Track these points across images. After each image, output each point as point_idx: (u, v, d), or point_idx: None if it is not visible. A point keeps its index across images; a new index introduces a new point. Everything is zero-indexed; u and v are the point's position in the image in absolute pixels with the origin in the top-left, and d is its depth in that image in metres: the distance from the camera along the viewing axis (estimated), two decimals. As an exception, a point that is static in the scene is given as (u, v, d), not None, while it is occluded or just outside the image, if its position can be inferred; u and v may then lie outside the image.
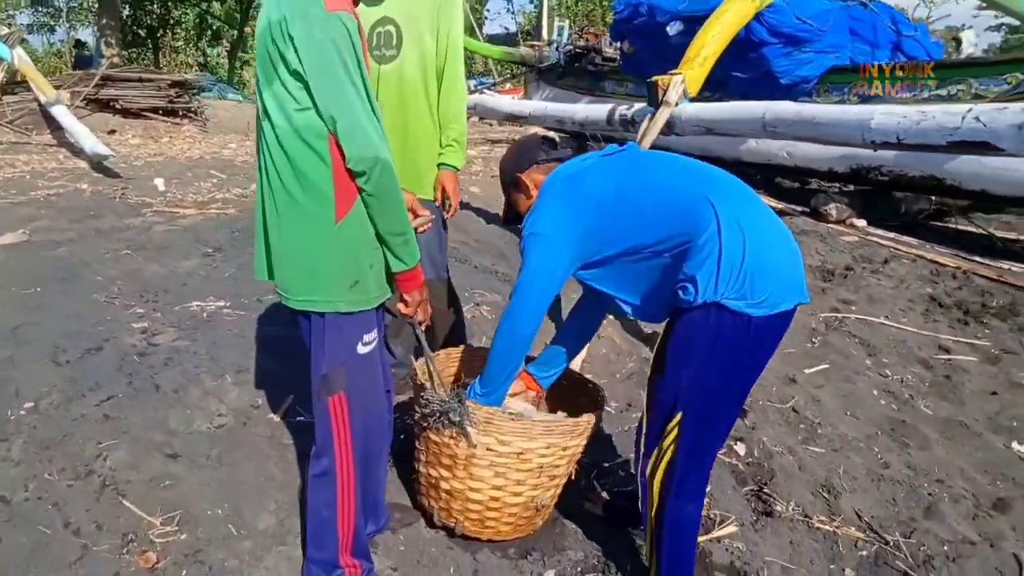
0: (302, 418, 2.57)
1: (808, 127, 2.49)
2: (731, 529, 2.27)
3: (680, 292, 1.72)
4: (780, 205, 6.33)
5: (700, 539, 2.20)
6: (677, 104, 3.27)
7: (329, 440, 1.73)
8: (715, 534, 2.25)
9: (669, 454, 1.79)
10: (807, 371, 3.42)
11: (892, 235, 5.63)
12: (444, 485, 2.09)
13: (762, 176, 7.15)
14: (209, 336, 3.09)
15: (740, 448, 2.72)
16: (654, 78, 3.34)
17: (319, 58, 1.46)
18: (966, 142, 1.90)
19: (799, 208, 6.23)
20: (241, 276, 3.84)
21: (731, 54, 6.36)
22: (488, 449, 1.99)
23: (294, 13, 1.45)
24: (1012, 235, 5.74)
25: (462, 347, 2.53)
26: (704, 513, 2.34)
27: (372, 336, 1.73)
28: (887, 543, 2.27)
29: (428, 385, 2.02)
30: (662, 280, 1.79)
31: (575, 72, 10.03)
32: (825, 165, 6.36)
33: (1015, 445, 2.87)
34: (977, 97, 5.24)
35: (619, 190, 1.83)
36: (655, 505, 1.84)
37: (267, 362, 2.88)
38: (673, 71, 3.40)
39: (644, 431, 1.87)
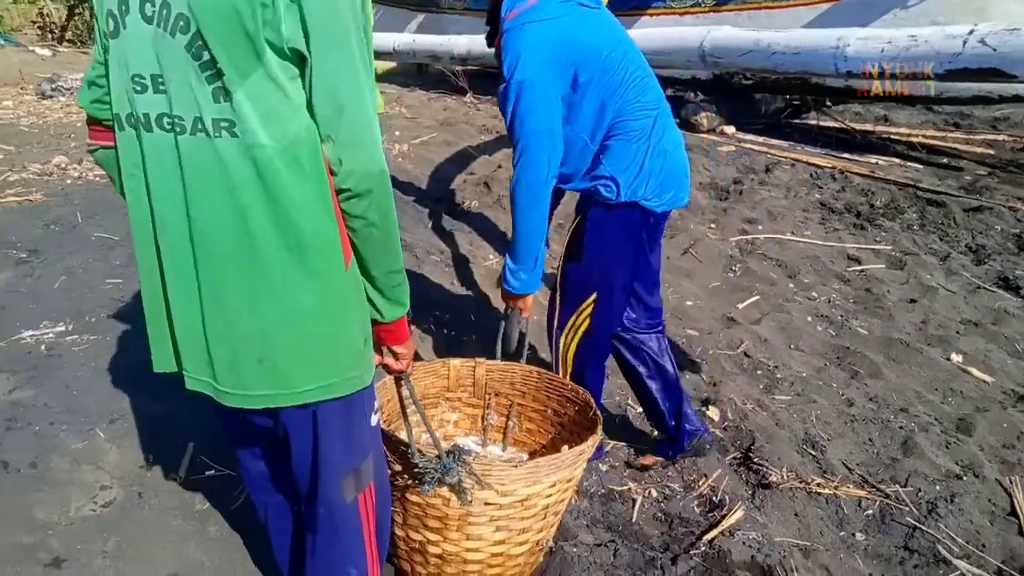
0: (212, 471, 2.05)
1: (762, 57, 2.17)
2: (739, 515, 2.08)
3: (602, 188, 1.89)
4: (650, 119, 6.17)
5: (712, 534, 2.01)
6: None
7: (361, 546, 1.31)
8: (725, 525, 2.04)
9: (583, 329, 2.05)
10: (740, 306, 3.29)
11: (762, 139, 5.65)
12: (434, 549, 1.70)
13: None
14: (58, 378, 2.38)
15: (713, 412, 2.53)
16: None
17: (331, 20, 0.95)
18: (970, 70, 1.67)
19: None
20: (74, 285, 3.05)
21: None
22: (487, 504, 1.61)
23: None
24: (868, 126, 5.96)
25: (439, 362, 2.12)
26: (703, 493, 2.15)
27: (378, 401, 1.32)
28: (888, 496, 2.18)
29: (417, 445, 1.58)
30: (580, 158, 1.90)
31: (404, -15, 9.20)
32: (687, 73, 6.24)
33: (953, 357, 2.90)
34: (834, -7, 5.23)
35: (607, 60, 1.82)
36: (570, 372, 2.12)
37: (145, 402, 2.27)
38: None
39: (559, 310, 2.08)
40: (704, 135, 5.81)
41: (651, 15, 6.40)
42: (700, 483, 2.22)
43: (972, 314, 3.24)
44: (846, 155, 5.30)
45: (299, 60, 0.97)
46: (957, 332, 3.10)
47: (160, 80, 0.99)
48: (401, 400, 1.58)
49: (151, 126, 1.03)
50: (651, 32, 2.71)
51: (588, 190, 1.94)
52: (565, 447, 1.69)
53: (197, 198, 1.02)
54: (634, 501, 2.14)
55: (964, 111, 6.07)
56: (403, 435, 1.58)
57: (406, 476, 1.61)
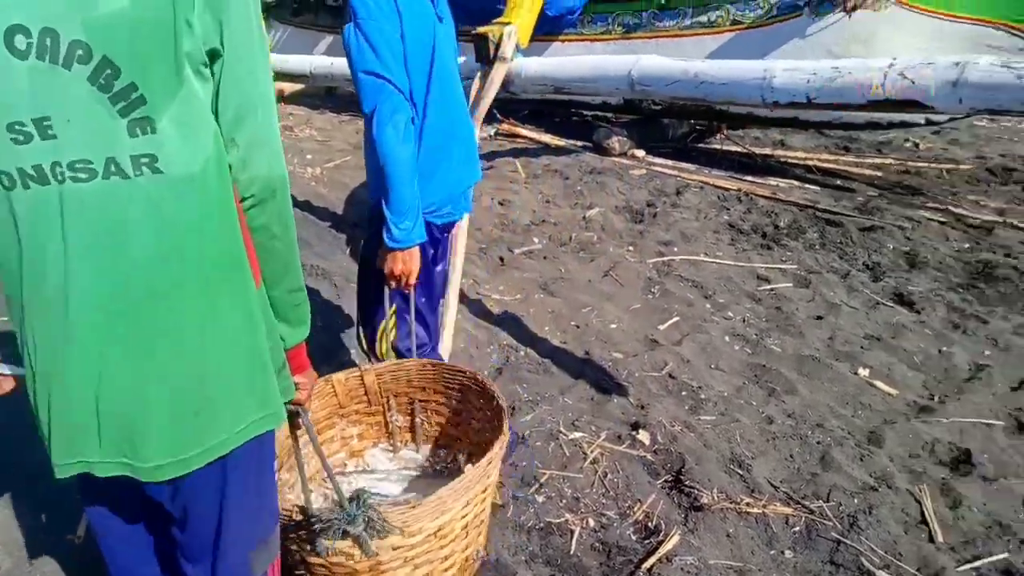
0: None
1: (690, 87, 2.24)
2: (675, 540, 2.10)
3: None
4: (563, 142, 6.29)
5: (650, 562, 2.02)
6: (512, 59, 2.87)
7: None
8: (662, 552, 2.06)
9: (391, 336, 2.15)
10: (661, 328, 3.36)
11: (671, 163, 5.85)
12: (356, 605, 1.62)
13: (530, 111, 7.04)
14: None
15: (644, 437, 2.56)
16: (481, 30, 2.89)
17: (245, 18, 0.90)
18: (891, 100, 1.78)
19: (580, 143, 6.23)
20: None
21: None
22: (395, 548, 1.56)
23: None
24: (767, 150, 6.26)
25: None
26: (638, 520, 2.17)
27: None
28: (812, 512, 2.25)
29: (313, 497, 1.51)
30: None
31: (311, 5, 9.02)
32: (598, 98, 6.39)
33: (860, 371, 3.05)
34: (735, 22, 5.50)
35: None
36: None
37: (16, 450, 2.08)
38: (499, 20, 2.97)
39: (363, 322, 2.23)
40: (616, 158, 5.96)
41: (562, 41, 6.54)
42: (635, 509, 2.23)
43: (874, 329, 3.43)
44: (749, 178, 5.55)
45: (210, 62, 0.90)
46: (861, 347, 3.27)
47: (48, 123, 0.85)
48: (295, 439, 1.48)
49: (46, 178, 0.88)
50: (580, 59, 2.75)
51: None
52: (469, 466, 1.64)
53: (112, 247, 0.92)
54: (572, 532, 2.12)
55: (853, 135, 6.47)
56: (296, 481, 1.51)
57: (303, 533, 1.52)
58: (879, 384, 2.97)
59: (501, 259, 3.96)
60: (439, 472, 2.14)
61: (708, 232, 4.48)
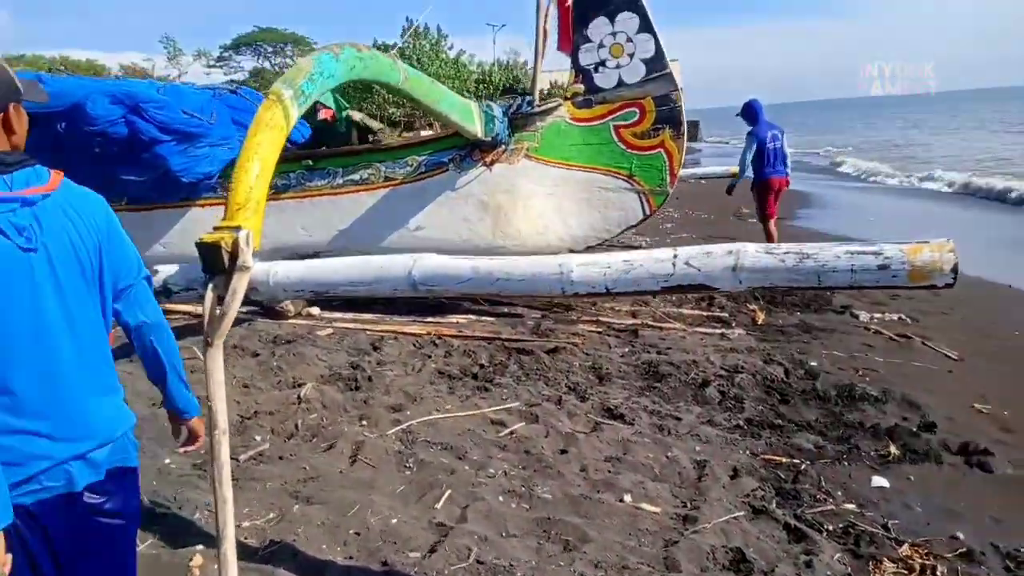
0: None
1: (485, 283, 2.25)
2: None
3: None
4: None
5: None
6: (251, 266, 2.54)
7: None
8: None
9: None
10: (438, 506, 3.22)
11: (351, 315, 5.79)
12: None
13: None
14: None
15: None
16: (207, 238, 2.52)
17: None
18: (683, 286, 2.04)
19: (246, 309, 5.79)
20: None
21: (116, 157, 5.43)
22: None
23: None
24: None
25: None
26: None
27: None
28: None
29: None
30: None
31: None
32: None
33: (625, 498, 3.33)
34: (387, 179, 5.78)
35: None
36: None
37: None
38: (224, 223, 2.63)
39: None
40: (293, 320, 5.68)
41: (201, 206, 6.09)
42: None
43: (609, 450, 3.79)
44: (430, 318, 5.78)
45: None
46: (610, 471, 3.58)
47: None
48: None
49: None
50: (347, 261, 2.57)
51: None
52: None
53: None
54: None
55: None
56: None
57: None
58: (644, 506, 3.27)
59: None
60: None
61: (426, 386, 4.50)
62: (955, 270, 1.79)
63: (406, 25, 41.64)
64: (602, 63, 5.39)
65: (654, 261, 2.03)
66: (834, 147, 34.23)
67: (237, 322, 5.50)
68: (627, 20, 5.30)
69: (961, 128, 45.46)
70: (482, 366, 4.86)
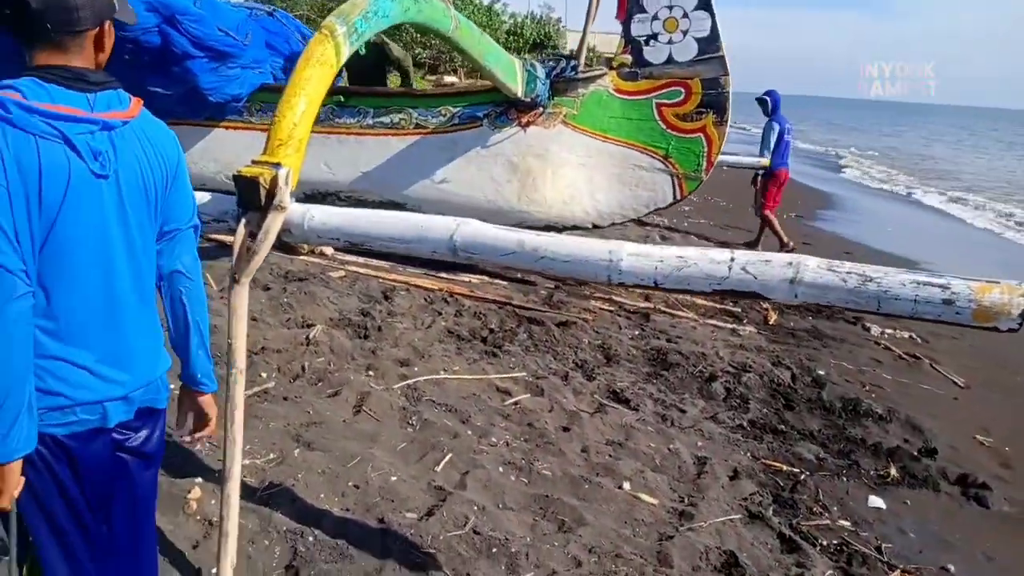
0: None
1: (529, 259, 2.17)
2: None
3: None
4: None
5: None
6: (288, 206, 2.46)
7: None
8: None
9: None
10: (438, 469, 3.21)
11: (362, 260, 5.71)
12: None
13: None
14: None
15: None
16: (245, 171, 2.43)
17: None
18: (735, 291, 1.97)
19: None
20: None
21: (147, 66, 5.29)
22: None
23: None
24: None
25: None
26: None
27: None
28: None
29: None
30: None
31: None
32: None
33: (625, 485, 3.32)
34: (419, 126, 5.65)
35: None
36: None
37: None
38: (264, 158, 2.53)
39: None
40: (306, 257, 5.62)
41: (226, 128, 5.97)
42: None
43: (612, 434, 3.77)
44: (443, 274, 5.71)
45: None
46: (610, 455, 3.56)
47: None
48: None
49: None
50: (394, 215, 2.48)
51: None
52: None
53: None
54: None
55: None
56: None
57: None
58: (642, 496, 3.26)
59: (231, 408, 3.38)
60: None
61: (435, 343, 4.46)
62: (1023, 316, 1.73)
63: (444, -37, 40.88)
64: (654, 36, 5.22)
65: (709, 261, 1.96)
66: (857, 149, 33.79)
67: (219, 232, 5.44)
68: (687, -6, 5.13)
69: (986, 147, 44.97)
70: (492, 330, 4.82)
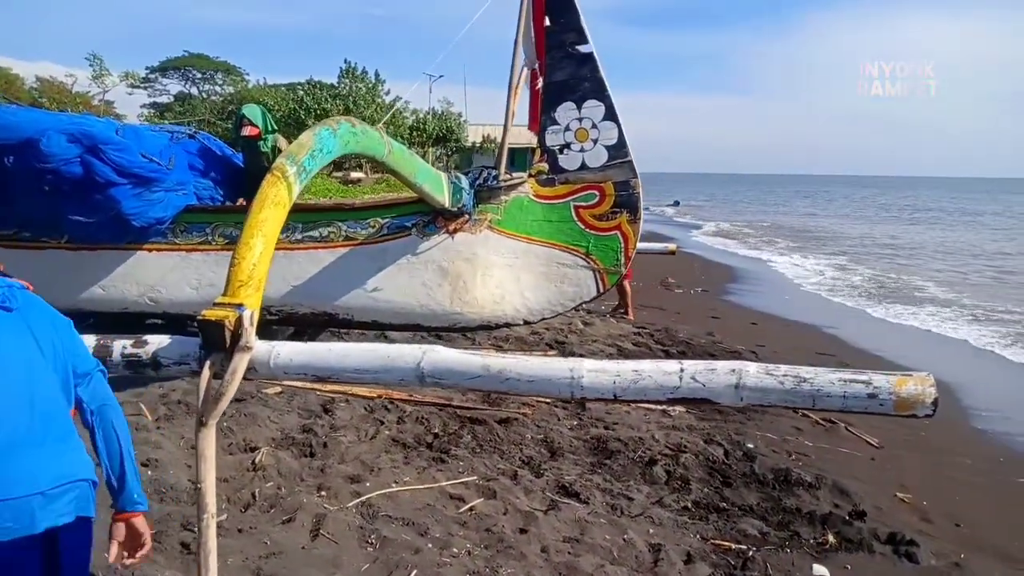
0: None
1: (494, 382, 2.32)
2: None
3: None
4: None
5: None
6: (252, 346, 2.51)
7: None
8: None
9: None
10: (406, 587, 3.21)
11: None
12: None
13: (126, 325, 6.10)
14: None
15: None
16: (208, 314, 2.50)
17: None
18: (688, 398, 2.17)
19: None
20: None
21: (67, 196, 5.25)
22: None
23: None
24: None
25: None
26: None
27: None
28: None
29: None
30: None
31: None
32: (203, 309, 5.92)
33: (588, 581, 3.40)
34: (348, 238, 5.77)
35: None
36: None
37: None
38: (225, 299, 2.60)
39: None
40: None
41: (149, 250, 5.91)
42: None
43: (567, 530, 3.86)
44: (380, 381, 5.74)
45: None
46: (570, 553, 3.65)
47: None
48: None
49: None
50: (360, 347, 2.57)
51: None
52: None
53: None
54: None
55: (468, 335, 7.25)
56: None
57: None
58: (610, 594, 3.35)
59: (184, 545, 3.29)
60: None
61: (382, 454, 4.48)
62: (935, 403, 2.00)
63: (343, 67, 42.00)
64: (567, 145, 5.62)
65: (662, 374, 2.16)
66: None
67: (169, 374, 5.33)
68: (593, 108, 5.57)
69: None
70: (436, 435, 4.87)
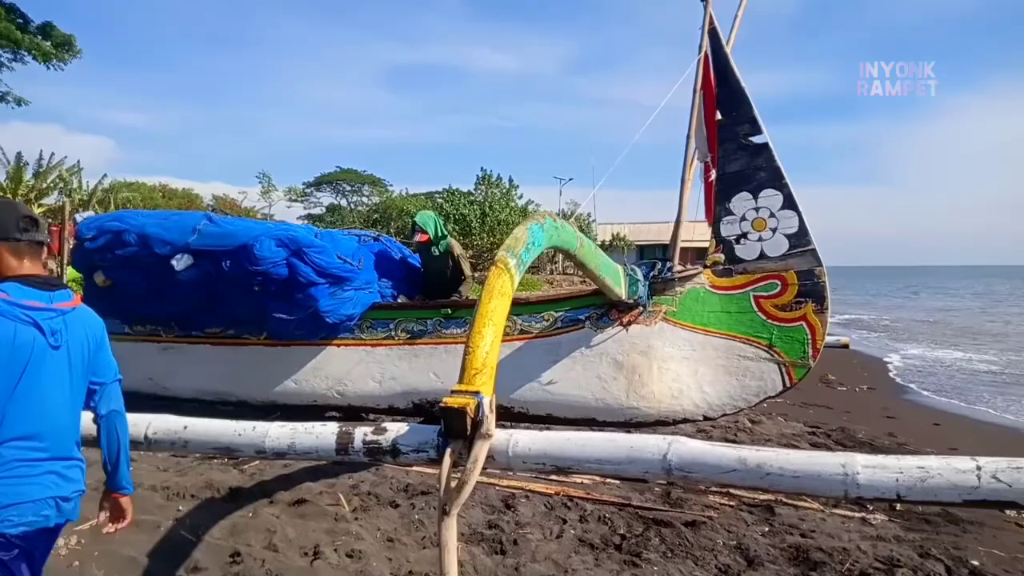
0: None
1: (754, 477, 2.20)
2: None
3: None
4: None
5: None
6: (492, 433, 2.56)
7: None
8: None
9: None
10: None
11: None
12: None
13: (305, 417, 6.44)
14: None
15: None
16: (448, 401, 2.57)
17: None
18: (989, 500, 1.96)
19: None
20: None
21: (273, 295, 5.69)
22: None
23: None
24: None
25: None
26: None
27: None
28: None
29: None
30: None
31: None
32: (385, 403, 6.15)
33: None
34: (523, 332, 5.88)
35: None
36: None
37: None
38: (462, 387, 2.68)
39: None
40: (419, 468, 5.63)
41: (337, 345, 6.26)
42: None
43: (786, 649, 3.51)
44: (553, 477, 5.64)
45: None
46: (795, 675, 3.30)
47: None
48: None
49: None
50: (600, 436, 2.56)
51: None
52: None
53: None
54: None
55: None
56: None
57: None
58: None
59: (396, 639, 3.27)
60: None
61: (572, 555, 4.33)
62: None
63: (480, 174, 44.29)
64: (744, 235, 5.53)
65: (954, 471, 1.96)
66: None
67: (364, 466, 5.50)
68: (771, 197, 5.48)
69: None
70: (623, 536, 4.67)
